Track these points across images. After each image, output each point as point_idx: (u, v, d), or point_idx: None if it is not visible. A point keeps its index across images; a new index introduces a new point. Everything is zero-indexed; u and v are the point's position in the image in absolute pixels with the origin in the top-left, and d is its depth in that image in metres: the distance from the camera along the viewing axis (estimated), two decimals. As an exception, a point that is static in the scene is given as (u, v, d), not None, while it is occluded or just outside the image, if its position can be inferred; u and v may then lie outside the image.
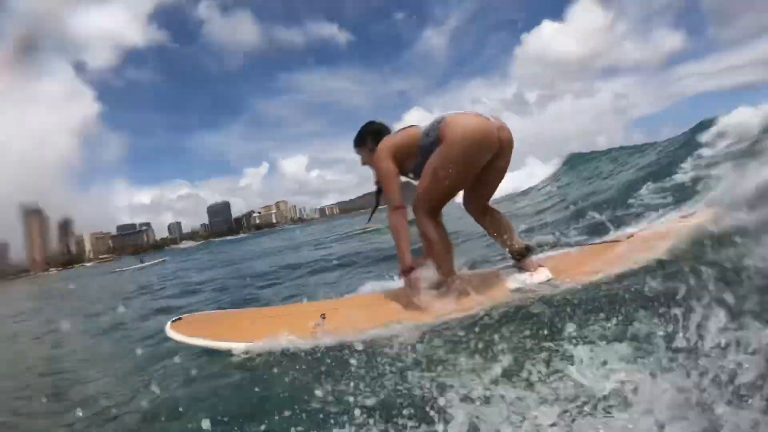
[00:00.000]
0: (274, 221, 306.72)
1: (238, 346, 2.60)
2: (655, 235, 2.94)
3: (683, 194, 4.38)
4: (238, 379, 2.33)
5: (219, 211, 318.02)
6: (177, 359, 2.65)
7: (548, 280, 2.57)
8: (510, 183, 11.65)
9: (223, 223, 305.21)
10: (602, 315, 2.03)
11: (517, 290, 2.55)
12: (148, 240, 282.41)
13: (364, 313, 2.69)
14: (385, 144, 2.58)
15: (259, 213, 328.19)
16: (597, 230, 3.70)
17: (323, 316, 2.65)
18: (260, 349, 2.50)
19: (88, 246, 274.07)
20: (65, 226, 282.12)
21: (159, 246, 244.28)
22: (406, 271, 2.40)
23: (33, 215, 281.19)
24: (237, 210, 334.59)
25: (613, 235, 3.18)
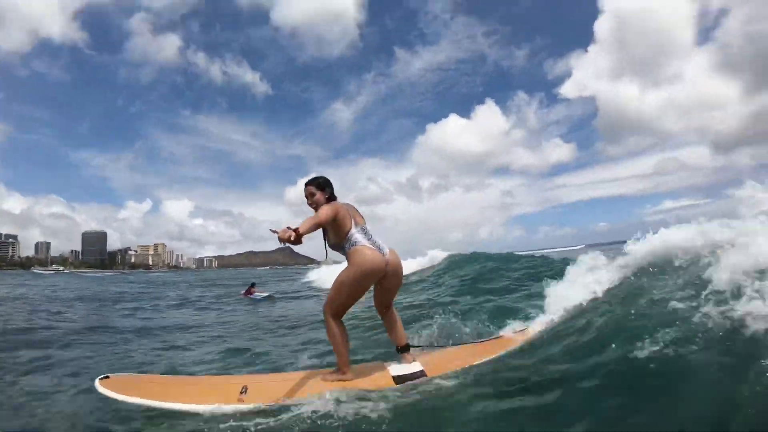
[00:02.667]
0: (151, 263, 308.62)
1: (164, 406, 3.41)
2: (496, 343, 4.63)
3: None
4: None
5: (94, 241, 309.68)
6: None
7: (419, 371, 3.80)
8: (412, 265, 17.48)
9: (96, 254, 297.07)
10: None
11: (397, 377, 3.72)
12: (13, 255, 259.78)
13: (284, 387, 3.64)
14: (334, 206, 3.72)
15: (136, 251, 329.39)
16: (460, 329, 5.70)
17: (245, 389, 3.59)
18: (193, 410, 3.38)
19: None
20: None
21: (24, 265, 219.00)
22: (295, 230, 3.27)
23: None
24: (112, 242, 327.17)
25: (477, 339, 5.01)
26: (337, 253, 3.93)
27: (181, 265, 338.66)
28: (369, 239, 3.79)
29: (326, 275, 17.59)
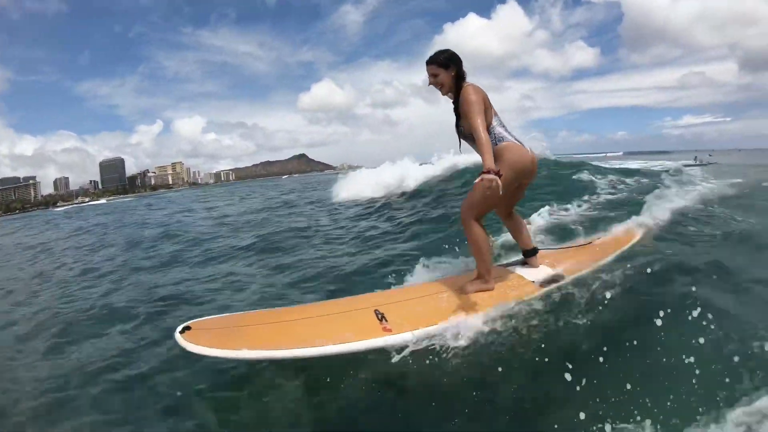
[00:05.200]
0: (171, 182, 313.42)
1: (291, 355, 2.63)
2: (612, 240, 4.49)
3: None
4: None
5: (112, 168, 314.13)
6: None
7: (556, 274, 3.61)
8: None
9: (116, 181, 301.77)
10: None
11: (542, 282, 3.53)
12: (35, 195, 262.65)
13: (423, 307, 3.19)
14: (479, 90, 3.26)
15: (154, 173, 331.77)
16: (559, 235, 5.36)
17: (380, 313, 3.03)
18: (323, 353, 2.64)
19: None
20: None
21: (49, 202, 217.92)
22: (492, 170, 2.80)
23: None
24: (129, 168, 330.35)
25: (575, 240, 4.79)
26: (469, 145, 3.48)
27: (199, 181, 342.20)
28: (510, 133, 3.41)
29: (360, 182, 15.69)
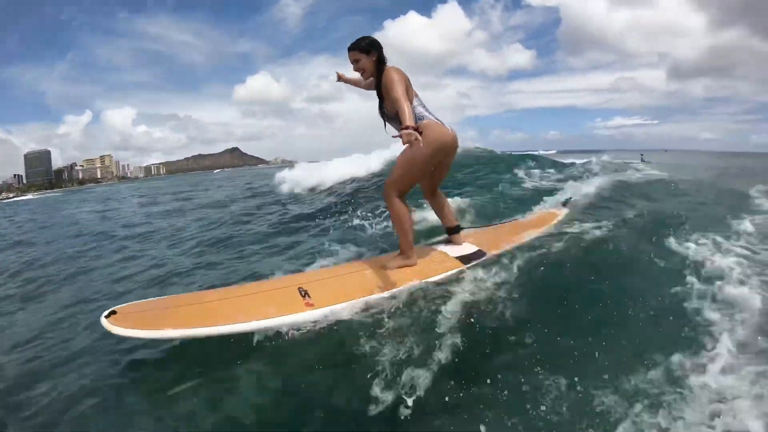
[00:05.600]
0: (99, 176, 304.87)
1: (214, 332, 2.71)
2: (537, 219, 4.78)
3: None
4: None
5: (38, 161, 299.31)
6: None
7: (478, 251, 3.75)
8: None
9: (42, 175, 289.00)
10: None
11: (462, 257, 3.65)
12: None
13: (346, 283, 3.30)
14: (400, 72, 3.31)
15: (82, 166, 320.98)
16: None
17: (303, 291, 3.11)
18: (247, 330, 2.77)
19: None
20: None
21: None
22: (411, 126, 2.82)
23: None
24: (55, 160, 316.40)
25: (501, 220, 5.15)
26: (393, 127, 3.51)
27: (129, 175, 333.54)
28: (430, 112, 3.50)
29: (300, 176, 15.07)
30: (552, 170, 11.08)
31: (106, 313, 2.90)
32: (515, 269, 3.54)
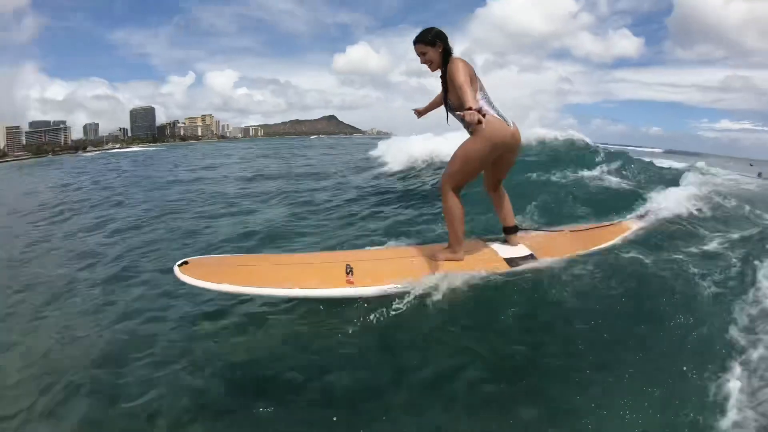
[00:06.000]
0: (200, 134, 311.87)
1: (262, 292, 3.17)
2: (605, 230, 4.44)
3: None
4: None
5: (142, 117, 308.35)
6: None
7: (529, 255, 3.70)
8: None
9: (145, 130, 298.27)
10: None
11: (509, 260, 3.65)
12: (65, 139, 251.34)
13: (394, 268, 3.46)
14: (465, 63, 3.38)
15: (184, 124, 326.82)
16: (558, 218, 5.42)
17: (349, 269, 3.32)
18: (290, 295, 3.17)
19: (2, 141, 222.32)
20: None
21: (79, 147, 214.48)
22: (474, 108, 2.95)
23: None
24: (159, 117, 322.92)
25: (569, 225, 4.79)
26: (457, 120, 3.59)
27: (228, 135, 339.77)
28: (493, 107, 3.53)
29: (396, 149, 15.09)
30: (642, 174, 10.04)
31: (179, 262, 3.44)
32: (559, 283, 3.52)
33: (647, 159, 11.47)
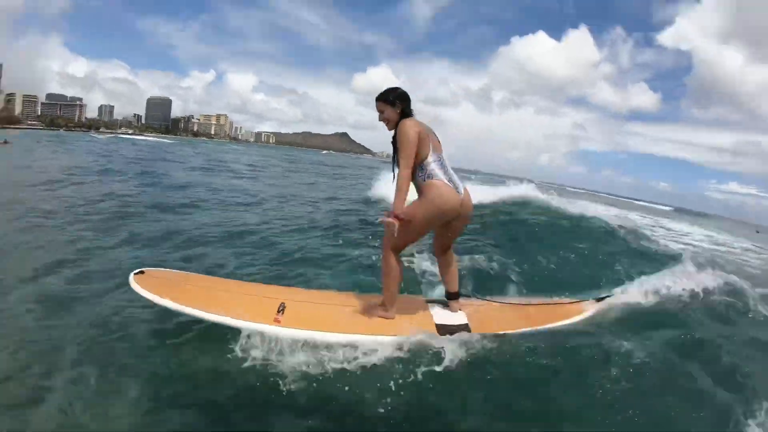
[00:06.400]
0: (213, 132, 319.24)
1: (195, 314, 3.32)
2: (554, 308, 4.15)
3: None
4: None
5: (158, 106, 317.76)
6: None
7: (464, 324, 3.63)
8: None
9: (160, 119, 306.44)
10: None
11: (440, 326, 3.56)
12: (80, 116, 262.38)
13: (326, 314, 3.54)
14: (416, 124, 3.41)
15: (198, 120, 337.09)
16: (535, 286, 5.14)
17: (282, 307, 3.45)
18: (217, 321, 3.31)
19: (18, 107, 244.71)
20: None
21: (92, 126, 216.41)
22: (397, 216, 3.23)
23: None
24: (175, 110, 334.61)
25: (527, 298, 4.48)
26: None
27: (240, 138, 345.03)
28: (445, 172, 3.45)
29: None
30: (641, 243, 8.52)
31: (136, 270, 3.64)
32: (477, 363, 3.30)
33: (658, 218, 10.98)
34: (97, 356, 3.30)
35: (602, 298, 4.44)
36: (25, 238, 6.32)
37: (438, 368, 3.16)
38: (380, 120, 3.58)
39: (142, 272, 3.66)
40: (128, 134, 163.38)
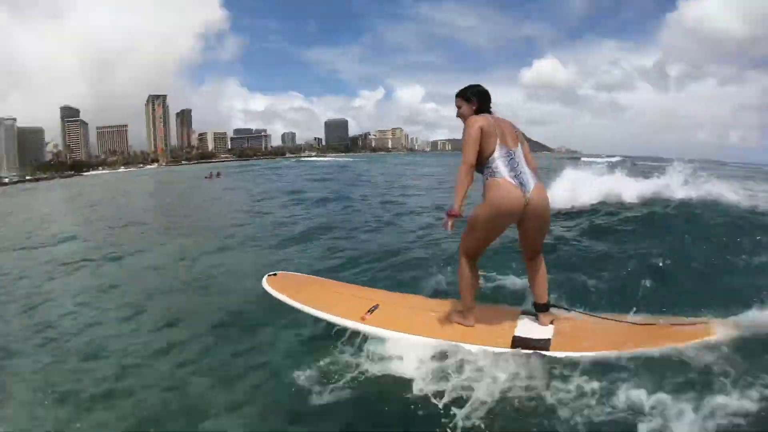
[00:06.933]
0: (390, 146, 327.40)
1: (297, 306, 4.02)
2: (667, 329, 3.20)
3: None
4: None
5: (336, 128, 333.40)
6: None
7: (545, 339, 3.26)
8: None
9: (338, 139, 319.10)
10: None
11: (517, 339, 3.28)
12: (266, 145, 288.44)
13: (409, 317, 3.75)
14: (482, 119, 3.37)
15: (375, 136, 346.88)
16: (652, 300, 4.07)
17: (374, 307, 3.82)
18: (315, 315, 3.92)
19: (210, 144, 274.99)
20: (183, 116, 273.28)
21: (278, 153, 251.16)
22: (452, 213, 3.22)
23: (156, 100, 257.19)
24: (350, 129, 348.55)
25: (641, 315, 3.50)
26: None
27: (416, 148, 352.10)
28: (512, 169, 3.30)
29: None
30: None
31: (270, 272, 4.58)
32: (552, 388, 2.89)
33: None
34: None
35: (740, 316, 3.17)
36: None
37: (488, 386, 2.96)
38: (457, 116, 3.63)
39: (275, 274, 4.57)
40: (312, 156, 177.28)
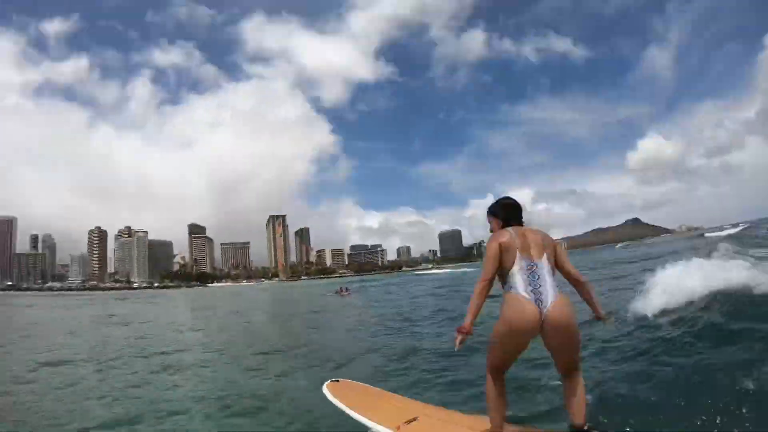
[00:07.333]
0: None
1: (348, 412, 4.01)
2: None
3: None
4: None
5: (450, 239, 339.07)
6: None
7: None
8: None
9: (453, 250, 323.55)
10: None
11: None
12: (382, 260, 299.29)
13: (440, 430, 3.66)
14: (503, 234, 3.31)
15: None
16: None
17: (413, 419, 3.75)
18: (361, 421, 3.89)
19: (329, 260, 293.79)
20: (301, 234, 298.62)
21: (395, 267, 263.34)
22: (461, 330, 3.14)
23: (276, 219, 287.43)
24: (464, 238, 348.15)
25: None
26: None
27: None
28: (530, 283, 3.15)
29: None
30: None
31: (333, 378, 4.79)
32: None
33: None
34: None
35: None
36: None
37: None
38: (490, 231, 3.59)
39: (337, 380, 4.71)
40: (428, 269, 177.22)
